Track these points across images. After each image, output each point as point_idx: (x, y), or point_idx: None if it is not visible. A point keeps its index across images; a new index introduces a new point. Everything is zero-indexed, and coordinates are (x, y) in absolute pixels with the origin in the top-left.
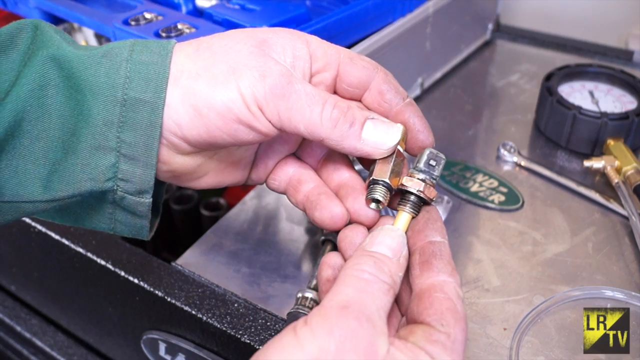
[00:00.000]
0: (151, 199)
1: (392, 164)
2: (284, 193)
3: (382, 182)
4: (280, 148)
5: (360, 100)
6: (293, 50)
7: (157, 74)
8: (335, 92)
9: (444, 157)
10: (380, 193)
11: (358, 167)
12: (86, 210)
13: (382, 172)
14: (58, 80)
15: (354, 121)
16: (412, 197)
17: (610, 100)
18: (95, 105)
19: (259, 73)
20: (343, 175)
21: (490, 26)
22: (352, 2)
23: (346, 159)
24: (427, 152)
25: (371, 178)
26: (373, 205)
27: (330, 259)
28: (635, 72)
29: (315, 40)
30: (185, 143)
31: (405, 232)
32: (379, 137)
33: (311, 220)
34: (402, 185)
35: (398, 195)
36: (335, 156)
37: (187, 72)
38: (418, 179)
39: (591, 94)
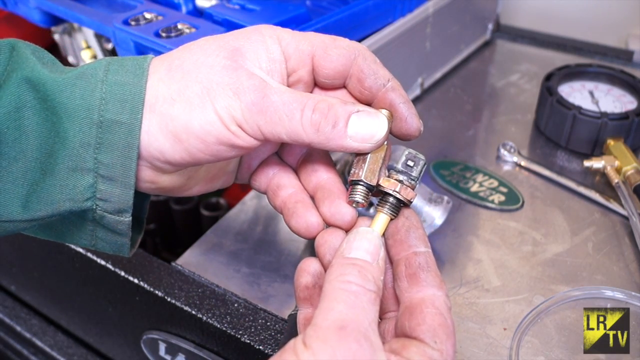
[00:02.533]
0: (130, 218)
1: (369, 160)
2: (264, 193)
3: (361, 183)
4: (262, 149)
5: (345, 87)
6: (267, 53)
7: (133, 94)
8: (316, 85)
9: (422, 158)
10: (360, 195)
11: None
12: (68, 227)
13: (360, 172)
14: (34, 102)
15: (336, 120)
16: (390, 199)
17: (610, 100)
18: (72, 127)
19: (233, 91)
20: (321, 177)
21: (490, 26)
22: (352, 2)
23: (326, 158)
24: (405, 152)
25: (352, 178)
26: (354, 204)
27: (308, 265)
28: (635, 72)
29: (286, 35)
30: (169, 165)
31: (383, 235)
32: (366, 131)
33: (287, 226)
34: (379, 185)
35: (377, 194)
36: (314, 155)
37: (162, 98)
38: (395, 179)
39: (591, 94)
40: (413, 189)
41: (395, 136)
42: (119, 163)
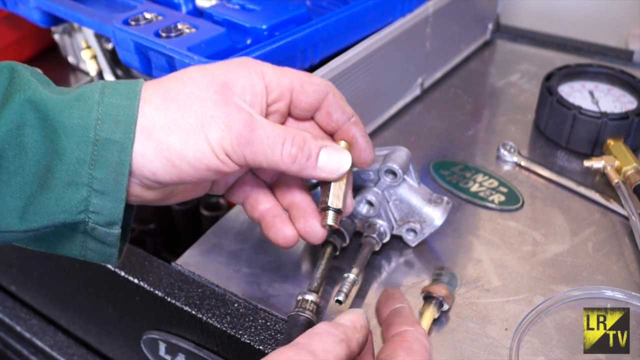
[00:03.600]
0: (120, 230)
1: (332, 188)
2: (241, 204)
3: (331, 208)
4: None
5: (312, 118)
6: (251, 87)
7: (126, 116)
8: (289, 115)
9: (456, 276)
10: (331, 219)
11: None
12: (59, 239)
13: (327, 199)
14: (34, 121)
15: (310, 154)
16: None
17: (610, 100)
18: (69, 145)
19: (225, 125)
20: (295, 197)
21: (490, 26)
22: (352, 2)
23: (298, 180)
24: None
25: (322, 206)
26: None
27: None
28: (635, 72)
29: (269, 70)
30: (158, 184)
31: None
32: (332, 164)
33: (265, 235)
34: (429, 291)
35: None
36: (288, 176)
37: (159, 127)
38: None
39: (591, 94)
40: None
41: (353, 163)
42: (112, 178)
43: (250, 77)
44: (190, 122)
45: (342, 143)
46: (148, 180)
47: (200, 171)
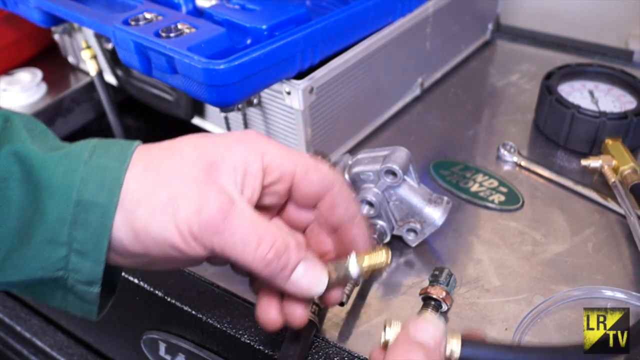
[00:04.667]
0: (99, 289)
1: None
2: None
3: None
4: None
5: (315, 206)
6: (244, 167)
7: (112, 179)
8: (289, 199)
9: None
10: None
11: None
12: (41, 289)
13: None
14: (19, 174)
15: (286, 265)
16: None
17: (610, 100)
18: (50, 203)
19: (196, 207)
20: None
21: (490, 26)
22: (352, 2)
23: None
24: (446, 270)
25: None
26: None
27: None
28: (636, 72)
29: (272, 149)
30: (127, 254)
31: None
32: (304, 283)
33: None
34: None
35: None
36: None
37: (130, 197)
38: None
39: (591, 93)
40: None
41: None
42: (92, 240)
43: (246, 155)
44: (162, 197)
45: (353, 256)
46: (120, 247)
47: (164, 249)
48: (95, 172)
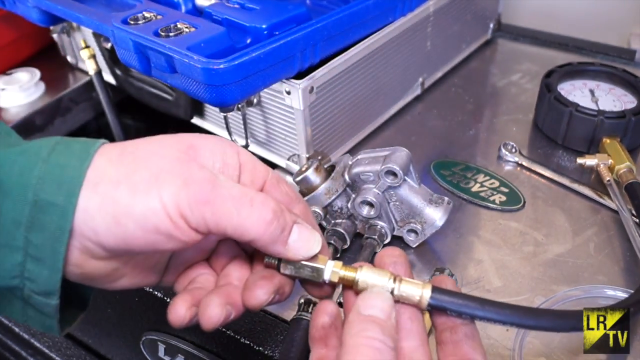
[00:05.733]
0: (58, 301)
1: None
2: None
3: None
4: (194, 256)
5: None
6: (223, 155)
7: (72, 178)
8: None
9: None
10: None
11: None
12: (1, 301)
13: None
14: None
15: (285, 226)
16: None
17: (611, 99)
18: (5, 204)
19: (182, 180)
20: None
21: (492, 25)
22: (352, 1)
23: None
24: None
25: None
26: None
27: (326, 306)
28: (638, 72)
29: (245, 153)
30: (101, 249)
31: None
32: (301, 244)
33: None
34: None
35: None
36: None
37: (108, 179)
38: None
39: (592, 92)
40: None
41: None
42: (49, 245)
43: (223, 146)
44: (143, 175)
45: (329, 261)
46: (89, 241)
47: (148, 233)
48: (54, 171)
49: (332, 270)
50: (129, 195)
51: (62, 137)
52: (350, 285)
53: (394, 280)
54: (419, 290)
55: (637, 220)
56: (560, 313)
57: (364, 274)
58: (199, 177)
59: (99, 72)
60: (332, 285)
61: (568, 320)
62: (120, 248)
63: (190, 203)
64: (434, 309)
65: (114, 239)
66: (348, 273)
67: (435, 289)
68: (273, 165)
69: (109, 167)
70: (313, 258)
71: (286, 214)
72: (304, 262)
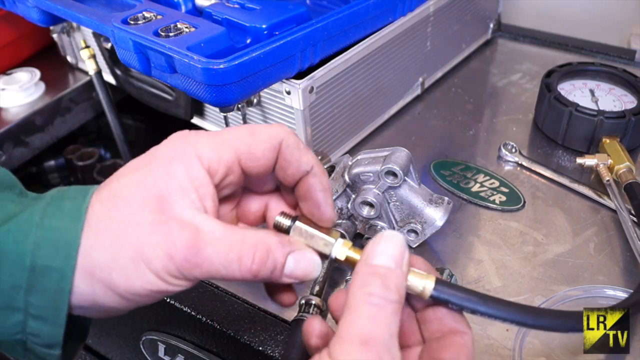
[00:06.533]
0: (60, 351)
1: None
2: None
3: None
4: None
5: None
6: (192, 183)
7: (67, 240)
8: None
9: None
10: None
11: None
12: (4, 346)
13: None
14: None
15: (275, 267)
16: None
17: (611, 99)
18: (3, 271)
19: (165, 253)
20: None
21: (492, 25)
22: (352, 1)
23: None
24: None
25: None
26: None
27: (313, 327)
28: (638, 72)
29: (206, 149)
30: (113, 310)
31: None
32: (299, 272)
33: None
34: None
35: None
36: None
37: (99, 267)
38: None
39: (592, 92)
40: None
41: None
42: (50, 305)
43: (188, 170)
44: (129, 256)
45: (334, 234)
46: (99, 312)
47: (157, 296)
48: (49, 236)
49: (340, 248)
50: (125, 279)
51: (52, 195)
52: (353, 267)
53: None
54: (422, 282)
55: (636, 220)
56: (561, 313)
57: None
58: (180, 243)
59: (99, 72)
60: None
61: (568, 321)
62: (131, 307)
63: (180, 269)
64: (436, 301)
65: (124, 305)
66: (354, 254)
67: (438, 281)
68: None
69: (94, 252)
70: (325, 231)
71: (276, 254)
72: (315, 233)
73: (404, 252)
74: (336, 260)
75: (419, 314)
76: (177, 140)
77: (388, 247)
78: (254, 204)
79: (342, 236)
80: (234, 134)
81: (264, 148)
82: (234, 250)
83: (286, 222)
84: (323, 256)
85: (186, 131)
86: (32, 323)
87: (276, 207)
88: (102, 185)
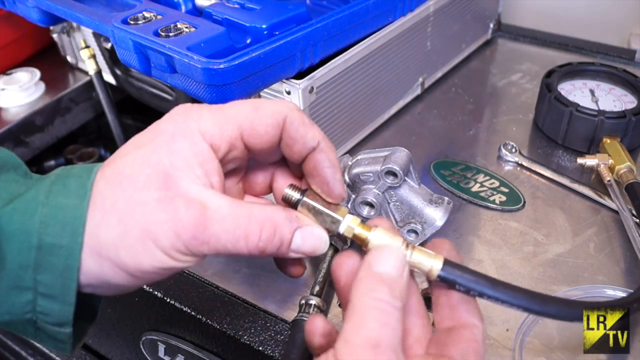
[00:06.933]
0: (71, 329)
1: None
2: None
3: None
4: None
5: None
6: (197, 158)
7: (74, 218)
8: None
9: None
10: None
11: None
12: (12, 327)
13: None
14: None
15: (282, 242)
16: None
17: (611, 99)
18: (10, 250)
19: (173, 231)
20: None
21: (492, 25)
22: (352, 1)
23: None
24: None
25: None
26: None
27: (316, 326)
28: (638, 72)
29: (208, 124)
30: (121, 287)
31: None
32: (307, 247)
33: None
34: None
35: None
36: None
37: (106, 246)
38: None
39: (592, 92)
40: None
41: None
42: (59, 283)
43: (192, 146)
44: (135, 235)
45: (343, 210)
46: (109, 289)
47: (165, 273)
48: (55, 213)
49: (348, 225)
50: (133, 258)
51: (57, 174)
52: (361, 244)
53: (407, 246)
54: (430, 261)
55: (637, 221)
56: (568, 302)
57: (377, 235)
58: (187, 221)
59: (99, 72)
60: (343, 239)
61: (574, 310)
62: (139, 284)
63: (188, 247)
64: (443, 281)
65: (135, 283)
66: (362, 231)
67: (447, 262)
68: None
69: (99, 231)
70: (334, 207)
71: (283, 230)
72: (323, 209)
73: (405, 264)
74: (342, 236)
75: (433, 298)
76: (179, 115)
77: (390, 257)
78: (259, 176)
79: (351, 212)
80: (237, 109)
81: (266, 124)
82: (240, 227)
83: (295, 195)
84: (331, 232)
85: (188, 105)
86: (42, 302)
87: (282, 178)
88: (105, 163)
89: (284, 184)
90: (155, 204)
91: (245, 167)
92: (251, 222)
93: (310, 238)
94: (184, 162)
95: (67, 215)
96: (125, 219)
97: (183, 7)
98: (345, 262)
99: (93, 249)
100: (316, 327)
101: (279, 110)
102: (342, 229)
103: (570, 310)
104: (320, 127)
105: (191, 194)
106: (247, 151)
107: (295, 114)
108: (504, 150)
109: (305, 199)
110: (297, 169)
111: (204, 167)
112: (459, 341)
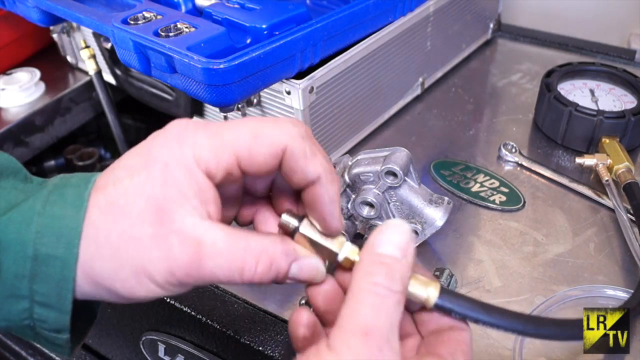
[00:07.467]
0: (68, 335)
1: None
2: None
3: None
4: None
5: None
6: (191, 188)
7: (70, 228)
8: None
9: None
10: None
11: None
12: (14, 331)
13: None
14: None
15: (278, 273)
16: None
17: (611, 99)
18: (6, 260)
19: (166, 268)
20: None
21: (492, 25)
22: (352, 1)
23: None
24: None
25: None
26: None
27: (301, 317)
28: (638, 72)
29: (204, 151)
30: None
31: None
32: (304, 276)
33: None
34: None
35: None
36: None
37: (100, 276)
38: None
39: (592, 92)
40: None
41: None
42: (55, 293)
43: (187, 176)
44: (130, 270)
45: (345, 245)
46: (111, 302)
47: (159, 297)
48: (51, 223)
49: (345, 256)
50: (129, 291)
51: (55, 183)
52: None
53: None
54: (426, 290)
55: (634, 220)
56: (561, 322)
57: None
58: (181, 258)
59: (99, 72)
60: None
61: (568, 330)
62: (126, 302)
63: (182, 281)
64: (439, 310)
65: (121, 301)
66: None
67: (443, 290)
68: None
69: (93, 263)
70: (331, 237)
71: (279, 263)
72: (320, 242)
73: (410, 242)
74: (341, 266)
75: (416, 315)
76: (174, 140)
77: (394, 236)
78: (245, 210)
79: (348, 239)
80: (235, 135)
81: (265, 154)
82: (236, 262)
83: (292, 222)
84: (329, 261)
85: (184, 123)
86: (38, 310)
87: (265, 214)
88: (99, 185)
89: (266, 217)
90: (149, 240)
91: (241, 191)
92: (247, 255)
93: (307, 269)
94: (178, 193)
95: (63, 225)
96: (119, 254)
97: (183, 7)
98: (322, 288)
99: (89, 277)
100: (301, 317)
101: (278, 139)
102: (340, 259)
103: (563, 330)
104: (320, 127)
105: (186, 229)
106: (241, 177)
107: (297, 144)
108: (503, 150)
109: (302, 229)
110: (297, 194)
111: (199, 197)
112: (448, 342)
